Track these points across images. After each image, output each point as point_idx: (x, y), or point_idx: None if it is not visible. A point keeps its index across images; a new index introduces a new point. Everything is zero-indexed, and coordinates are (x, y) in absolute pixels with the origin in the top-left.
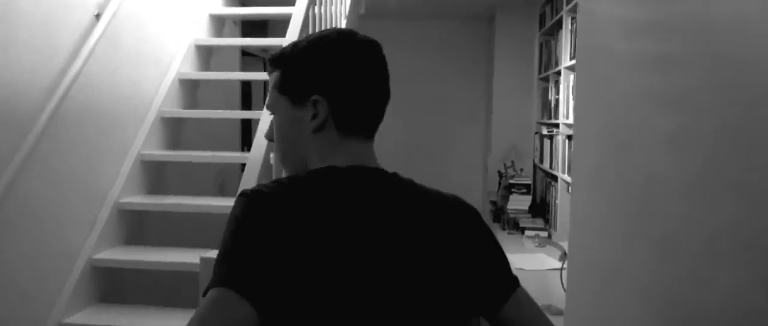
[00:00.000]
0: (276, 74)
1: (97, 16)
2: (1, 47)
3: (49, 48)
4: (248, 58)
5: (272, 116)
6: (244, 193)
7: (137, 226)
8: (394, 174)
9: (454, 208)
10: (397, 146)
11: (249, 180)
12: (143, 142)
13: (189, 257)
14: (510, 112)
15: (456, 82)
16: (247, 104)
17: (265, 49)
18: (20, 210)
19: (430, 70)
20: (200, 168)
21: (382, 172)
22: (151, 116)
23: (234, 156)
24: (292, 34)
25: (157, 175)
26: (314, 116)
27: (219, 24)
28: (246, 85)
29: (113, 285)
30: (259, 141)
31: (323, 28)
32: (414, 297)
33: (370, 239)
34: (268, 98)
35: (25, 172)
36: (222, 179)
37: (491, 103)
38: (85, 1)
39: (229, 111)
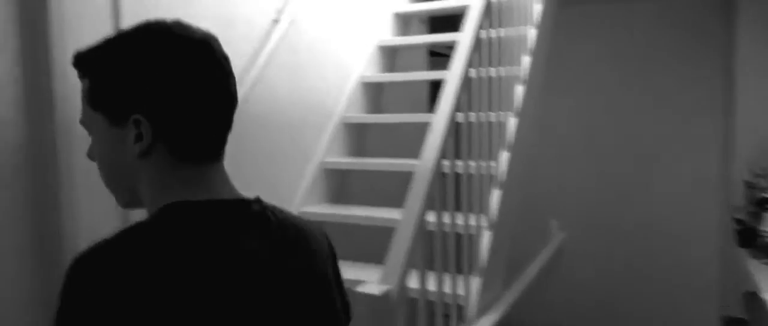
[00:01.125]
0: (85, 83)
1: (275, 21)
2: None
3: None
4: (438, 58)
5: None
6: (70, 275)
7: None
8: (257, 201)
9: (323, 243)
10: (606, 150)
11: (417, 195)
12: (325, 149)
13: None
14: (762, 101)
15: (678, 66)
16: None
17: (451, 46)
18: None
19: (644, 56)
20: (385, 177)
21: (245, 205)
22: (333, 122)
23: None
24: (469, 28)
25: (340, 184)
26: (138, 138)
27: (404, 23)
28: (435, 87)
29: None
30: (430, 145)
31: (510, 18)
32: None
33: (255, 298)
34: (81, 112)
35: None
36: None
37: (733, 90)
38: (264, 6)
39: (414, 114)
